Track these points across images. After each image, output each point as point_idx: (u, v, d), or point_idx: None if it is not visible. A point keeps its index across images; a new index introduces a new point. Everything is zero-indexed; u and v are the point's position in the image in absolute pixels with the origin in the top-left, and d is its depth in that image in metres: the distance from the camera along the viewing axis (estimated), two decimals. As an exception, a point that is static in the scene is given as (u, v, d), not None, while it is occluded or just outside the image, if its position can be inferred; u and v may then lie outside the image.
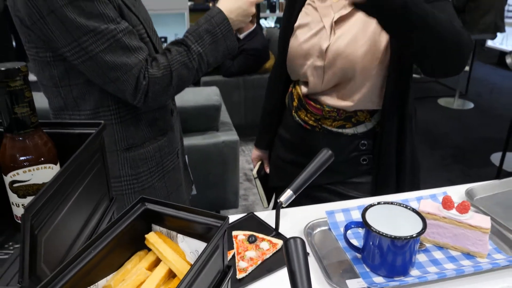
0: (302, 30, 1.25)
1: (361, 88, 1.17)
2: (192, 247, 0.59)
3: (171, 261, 0.56)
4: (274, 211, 1.00)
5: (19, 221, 0.69)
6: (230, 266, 0.60)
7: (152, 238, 0.59)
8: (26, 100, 0.63)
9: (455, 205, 0.91)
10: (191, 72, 1.06)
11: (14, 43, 5.73)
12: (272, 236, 0.97)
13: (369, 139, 1.24)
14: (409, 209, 0.88)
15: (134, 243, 0.61)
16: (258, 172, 1.58)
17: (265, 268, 0.88)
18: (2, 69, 0.60)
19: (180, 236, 0.60)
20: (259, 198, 1.59)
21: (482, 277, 0.85)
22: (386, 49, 1.13)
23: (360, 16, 1.15)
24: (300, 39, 1.24)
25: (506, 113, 4.53)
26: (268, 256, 0.91)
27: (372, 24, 1.14)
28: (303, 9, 1.28)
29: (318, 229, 1.00)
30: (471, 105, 5.12)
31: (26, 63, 0.65)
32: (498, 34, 5.31)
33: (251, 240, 0.94)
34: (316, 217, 1.02)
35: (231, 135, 2.58)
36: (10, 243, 0.69)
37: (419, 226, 0.83)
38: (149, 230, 0.63)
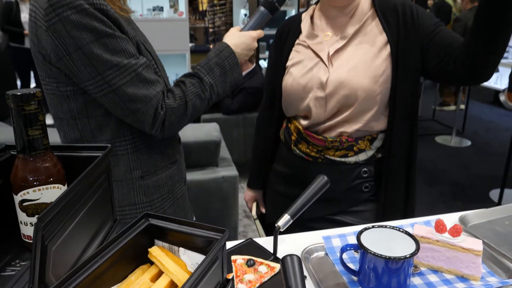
0: (297, 68, 1.30)
1: (367, 111, 1.21)
2: (193, 260, 0.62)
3: (173, 272, 0.59)
4: (272, 236, 1.03)
5: (27, 240, 0.72)
6: (229, 280, 0.63)
7: (155, 251, 0.62)
8: (39, 123, 0.68)
9: (448, 228, 0.94)
10: (203, 102, 1.13)
11: (19, 82, 5.86)
12: (270, 261, 0.99)
13: (370, 166, 1.28)
14: (403, 232, 0.90)
15: (137, 258, 0.64)
16: (256, 212, 1.60)
17: (263, 291, 0.90)
18: (18, 93, 0.64)
19: (181, 249, 0.63)
20: (258, 235, 1.60)
21: (476, 299, 0.87)
22: (386, 70, 1.19)
23: (355, 46, 1.22)
24: (296, 75, 1.28)
25: (503, 150, 4.57)
26: (266, 279, 0.93)
27: (369, 49, 1.20)
28: (293, 49, 1.34)
29: (315, 254, 1.02)
30: (468, 142, 5.18)
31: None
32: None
33: (250, 264, 0.96)
34: (313, 242, 1.04)
35: (231, 171, 2.61)
36: (17, 261, 0.72)
37: (412, 248, 0.86)
38: (152, 245, 0.66)
